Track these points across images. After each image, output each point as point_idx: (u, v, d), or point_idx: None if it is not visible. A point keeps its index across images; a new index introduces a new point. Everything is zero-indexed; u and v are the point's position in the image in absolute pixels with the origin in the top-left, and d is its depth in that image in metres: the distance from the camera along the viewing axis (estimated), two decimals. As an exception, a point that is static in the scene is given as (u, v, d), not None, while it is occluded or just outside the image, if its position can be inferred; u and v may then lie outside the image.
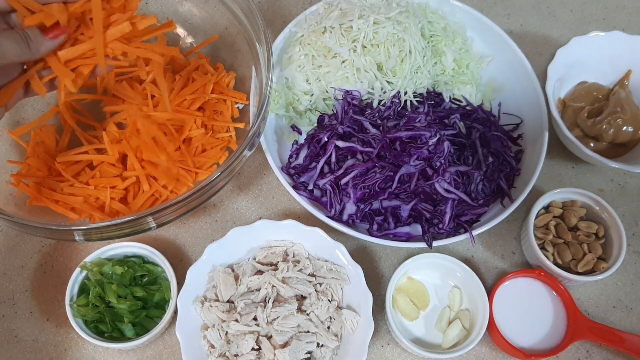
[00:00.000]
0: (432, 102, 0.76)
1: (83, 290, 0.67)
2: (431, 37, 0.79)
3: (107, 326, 0.64)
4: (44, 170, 0.71)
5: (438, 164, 0.67)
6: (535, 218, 0.70)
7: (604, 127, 0.74)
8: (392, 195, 0.68)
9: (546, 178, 0.79)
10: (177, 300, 0.64)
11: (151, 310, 0.67)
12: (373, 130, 0.71)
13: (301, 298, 0.65)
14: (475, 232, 0.66)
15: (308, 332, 0.63)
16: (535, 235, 0.69)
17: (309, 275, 0.66)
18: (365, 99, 0.75)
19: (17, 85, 0.55)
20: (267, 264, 0.67)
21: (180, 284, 0.65)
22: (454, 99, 0.78)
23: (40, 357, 0.67)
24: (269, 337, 0.63)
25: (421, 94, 0.76)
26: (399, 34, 0.73)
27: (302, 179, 0.71)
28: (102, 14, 0.56)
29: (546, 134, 0.72)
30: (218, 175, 0.59)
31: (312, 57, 0.76)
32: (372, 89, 0.75)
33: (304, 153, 0.73)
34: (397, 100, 0.74)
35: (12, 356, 0.67)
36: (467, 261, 0.73)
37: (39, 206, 0.68)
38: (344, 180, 0.68)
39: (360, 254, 0.73)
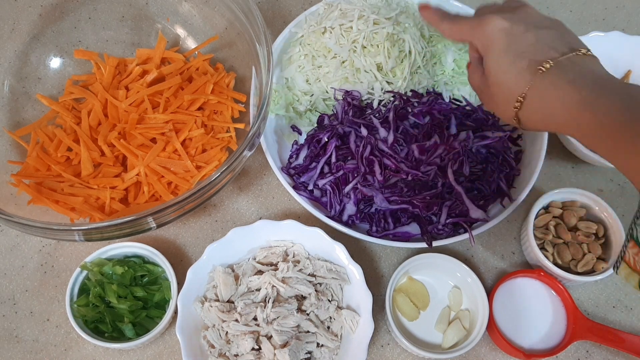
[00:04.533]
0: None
1: (83, 290, 0.67)
2: (431, 37, 0.79)
3: (107, 326, 0.64)
4: (44, 170, 0.71)
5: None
6: (535, 218, 0.70)
7: (604, 127, 0.74)
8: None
9: (546, 178, 0.79)
10: (177, 300, 0.64)
11: (151, 310, 0.67)
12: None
13: (301, 298, 0.65)
14: (475, 232, 0.66)
15: (308, 332, 0.63)
16: (535, 236, 0.69)
17: (309, 275, 0.66)
18: (365, 100, 0.76)
19: None
20: (267, 264, 0.67)
21: (180, 284, 0.65)
22: (453, 99, 0.78)
23: (40, 357, 0.67)
24: (269, 337, 0.63)
25: (421, 95, 0.76)
26: (399, 34, 0.73)
27: (302, 179, 0.71)
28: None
29: (546, 134, 0.72)
30: (218, 176, 0.59)
31: (312, 57, 0.76)
32: (372, 89, 0.75)
33: (304, 153, 0.73)
34: (398, 103, 0.74)
35: (12, 356, 0.67)
36: (467, 261, 0.73)
37: (39, 206, 0.68)
38: (345, 190, 0.68)
39: (360, 254, 0.73)
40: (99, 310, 0.65)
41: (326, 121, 0.75)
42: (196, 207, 0.62)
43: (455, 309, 0.68)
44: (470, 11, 0.81)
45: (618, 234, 0.68)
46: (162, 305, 0.67)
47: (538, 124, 0.52)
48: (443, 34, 0.60)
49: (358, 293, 0.65)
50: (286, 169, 0.73)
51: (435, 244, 0.66)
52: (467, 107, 0.78)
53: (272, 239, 0.69)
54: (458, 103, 0.78)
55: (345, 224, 0.68)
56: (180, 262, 0.72)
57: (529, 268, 0.73)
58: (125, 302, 0.65)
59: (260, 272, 0.66)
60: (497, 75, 0.52)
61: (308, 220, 0.69)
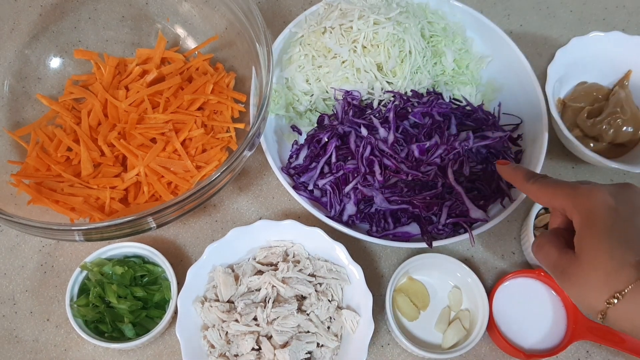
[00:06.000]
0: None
1: (83, 290, 0.67)
2: (431, 37, 0.79)
3: (107, 326, 0.64)
4: (44, 170, 0.71)
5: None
6: (535, 218, 0.70)
7: (604, 127, 0.74)
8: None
9: (546, 178, 0.79)
10: (177, 301, 0.64)
11: (151, 310, 0.67)
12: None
13: (301, 298, 0.65)
14: (475, 232, 0.66)
15: (308, 332, 0.63)
16: (535, 236, 0.69)
17: (309, 275, 0.66)
18: (365, 100, 0.76)
19: None
20: (267, 264, 0.67)
21: (180, 284, 0.65)
22: (453, 99, 0.78)
23: (40, 357, 0.67)
24: (269, 337, 0.63)
25: (421, 95, 0.76)
26: (399, 34, 0.73)
27: (302, 179, 0.71)
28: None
29: (546, 134, 0.72)
30: (218, 176, 0.59)
31: (312, 57, 0.76)
32: (372, 89, 0.75)
33: (304, 153, 0.73)
34: (398, 103, 0.74)
35: (12, 356, 0.67)
36: (467, 261, 0.73)
37: (39, 206, 0.68)
38: (346, 190, 0.68)
39: (360, 254, 0.73)
40: (99, 310, 0.65)
41: (326, 121, 0.75)
42: (196, 207, 0.62)
43: (455, 309, 0.68)
44: (471, 11, 0.81)
45: (618, 234, 0.68)
46: (162, 305, 0.67)
47: (627, 327, 0.43)
48: (529, 195, 0.54)
49: (358, 293, 0.65)
50: (286, 169, 0.73)
51: (435, 244, 0.66)
52: (467, 107, 0.78)
53: (272, 239, 0.69)
54: (458, 103, 0.78)
55: (345, 224, 0.68)
56: (180, 262, 0.72)
57: (529, 268, 0.73)
58: (125, 302, 0.65)
59: (260, 272, 0.66)
60: (595, 259, 0.43)
61: (308, 220, 0.69)
